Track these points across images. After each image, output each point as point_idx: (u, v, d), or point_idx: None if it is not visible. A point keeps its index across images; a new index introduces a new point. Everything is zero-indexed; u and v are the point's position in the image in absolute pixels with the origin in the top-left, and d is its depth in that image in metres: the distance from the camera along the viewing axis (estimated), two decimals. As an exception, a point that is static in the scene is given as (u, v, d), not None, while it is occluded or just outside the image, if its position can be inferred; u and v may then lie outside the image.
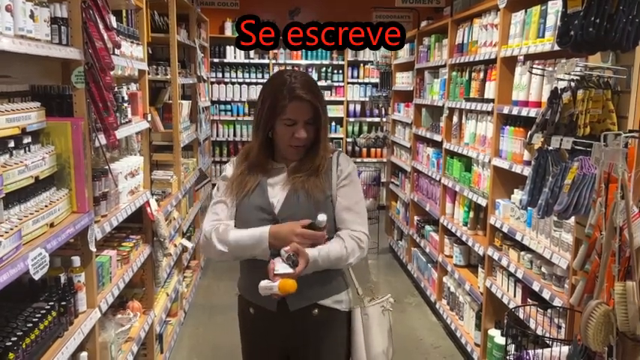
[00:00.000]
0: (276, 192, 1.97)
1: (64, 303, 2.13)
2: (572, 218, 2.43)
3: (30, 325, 1.87)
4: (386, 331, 2.05)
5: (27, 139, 1.99)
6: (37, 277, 1.79)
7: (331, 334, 2.02)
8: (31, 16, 1.89)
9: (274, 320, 1.99)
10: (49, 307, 2.02)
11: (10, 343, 1.74)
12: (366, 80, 8.33)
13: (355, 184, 2.03)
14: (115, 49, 2.63)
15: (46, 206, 1.99)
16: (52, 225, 2.02)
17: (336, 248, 1.89)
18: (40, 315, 1.94)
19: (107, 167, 2.56)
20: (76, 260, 2.27)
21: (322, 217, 1.81)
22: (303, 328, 1.99)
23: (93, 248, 2.34)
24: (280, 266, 1.77)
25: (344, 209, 1.97)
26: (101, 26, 2.32)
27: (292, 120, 1.92)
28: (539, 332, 2.75)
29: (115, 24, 2.67)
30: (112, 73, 2.44)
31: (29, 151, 1.99)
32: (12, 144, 1.90)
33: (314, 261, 1.82)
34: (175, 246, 4.12)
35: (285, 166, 2.02)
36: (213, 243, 1.92)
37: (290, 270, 1.76)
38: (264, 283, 1.76)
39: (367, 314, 2.02)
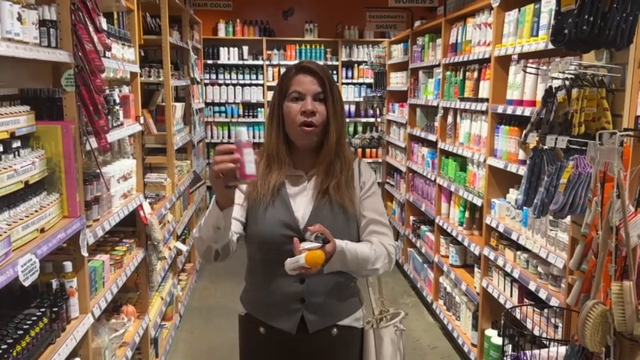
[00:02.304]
0: (299, 205, 1.82)
1: (55, 309, 2.10)
2: (568, 217, 2.42)
3: (21, 332, 1.84)
4: (398, 353, 1.95)
5: (16, 144, 1.96)
6: (27, 284, 1.76)
7: (348, 353, 1.92)
8: (19, 19, 1.86)
9: (289, 342, 1.83)
10: (40, 313, 1.99)
11: (1, 351, 1.71)
12: (361, 80, 8.31)
13: (378, 195, 1.93)
14: (106, 52, 2.60)
15: (36, 211, 1.96)
16: (42, 230, 1.99)
17: (363, 248, 1.76)
18: (31, 321, 1.92)
19: (99, 171, 2.53)
20: (68, 265, 2.24)
21: (240, 130, 1.52)
22: (320, 349, 1.86)
23: (85, 253, 2.31)
24: (307, 243, 1.61)
25: (371, 222, 1.86)
26: (91, 28, 2.30)
27: (299, 93, 1.77)
28: (536, 332, 2.74)
29: (105, 26, 2.65)
30: (103, 75, 2.42)
31: (18, 155, 1.97)
32: (1, 148, 1.87)
33: (341, 250, 1.66)
34: (170, 249, 4.09)
35: (303, 174, 1.86)
36: (195, 242, 1.77)
37: (317, 244, 1.60)
38: (289, 259, 1.58)
39: (381, 337, 1.92)
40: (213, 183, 1.54)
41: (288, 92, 1.80)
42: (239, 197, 1.82)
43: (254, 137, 8.17)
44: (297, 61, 1.94)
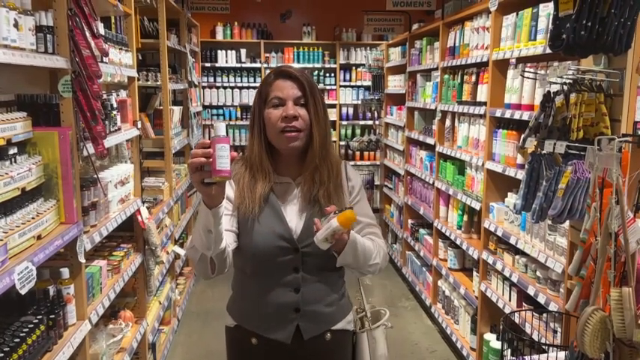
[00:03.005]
0: (291, 215, 1.79)
1: (52, 316, 2.09)
2: (567, 222, 2.42)
3: (17, 340, 1.83)
4: (386, 349, 1.96)
5: (13, 150, 1.95)
6: (23, 292, 1.75)
7: (341, 356, 1.92)
8: (15, 25, 1.85)
9: (283, 351, 1.80)
10: (37, 320, 1.98)
11: (-3, 360, 1.70)
12: (359, 83, 8.32)
13: (365, 197, 1.92)
14: (103, 57, 2.59)
15: (33, 218, 1.95)
16: (39, 237, 1.98)
17: (368, 243, 1.77)
18: (28, 329, 1.90)
19: (96, 176, 2.52)
20: (65, 272, 2.23)
21: (218, 125, 1.51)
22: (314, 354, 1.84)
23: (82, 259, 2.30)
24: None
25: (366, 226, 1.86)
26: (88, 34, 2.29)
27: (279, 98, 1.74)
28: (534, 337, 2.73)
29: (102, 31, 2.64)
30: (100, 80, 2.41)
31: (15, 162, 1.95)
32: (-3, 155, 1.87)
33: (353, 240, 1.67)
34: (167, 253, 4.08)
35: (291, 180, 1.82)
36: (189, 255, 1.76)
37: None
38: (319, 232, 1.56)
39: (374, 338, 1.92)
40: (191, 179, 1.52)
41: (268, 99, 1.77)
42: (229, 207, 1.79)
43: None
44: (294, 64, 1.92)
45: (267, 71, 8.11)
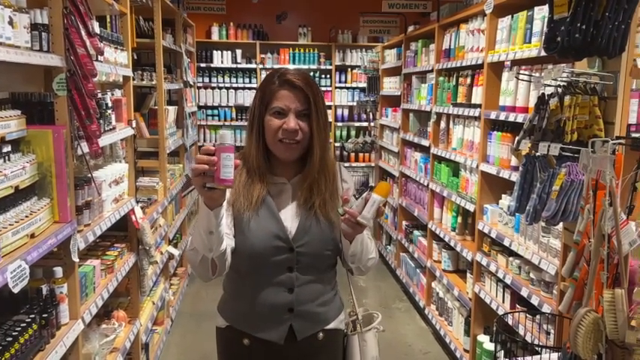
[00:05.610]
0: (286, 215, 1.78)
1: (45, 315, 2.09)
2: (560, 224, 2.43)
3: (10, 339, 1.82)
4: (377, 352, 1.96)
5: (6, 148, 1.94)
6: (16, 290, 1.74)
7: (334, 355, 1.92)
8: (10, 23, 1.84)
9: (276, 351, 1.80)
10: (29, 319, 1.97)
11: (-11, 359, 1.69)
12: (354, 85, 8.32)
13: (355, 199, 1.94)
14: (98, 56, 2.59)
15: (26, 216, 1.95)
16: (32, 236, 1.97)
17: (365, 237, 1.79)
18: (20, 328, 1.90)
19: (90, 175, 2.51)
20: (58, 271, 2.22)
21: (224, 134, 1.54)
22: (307, 354, 1.83)
23: (75, 259, 2.29)
24: (356, 201, 1.67)
25: None
26: (83, 32, 2.28)
27: (281, 109, 1.70)
28: (527, 338, 2.74)
29: (97, 30, 2.64)
30: (95, 79, 2.40)
31: (9, 160, 1.95)
32: (-9, 153, 1.86)
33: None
34: (161, 253, 4.07)
35: (286, 181, 1.81)
36: (189, 257, 1.73)
37: (366, 192, 1.66)
38: (364, 212, 1.61)
39: (365, 340, 1.92)
40: (193, 182, 1.52)
41: (270, 106, 1.73)
42: (231, 201, 1.78)
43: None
44: (290, 65, 1.91)
45: (263, 72, 8.15)
